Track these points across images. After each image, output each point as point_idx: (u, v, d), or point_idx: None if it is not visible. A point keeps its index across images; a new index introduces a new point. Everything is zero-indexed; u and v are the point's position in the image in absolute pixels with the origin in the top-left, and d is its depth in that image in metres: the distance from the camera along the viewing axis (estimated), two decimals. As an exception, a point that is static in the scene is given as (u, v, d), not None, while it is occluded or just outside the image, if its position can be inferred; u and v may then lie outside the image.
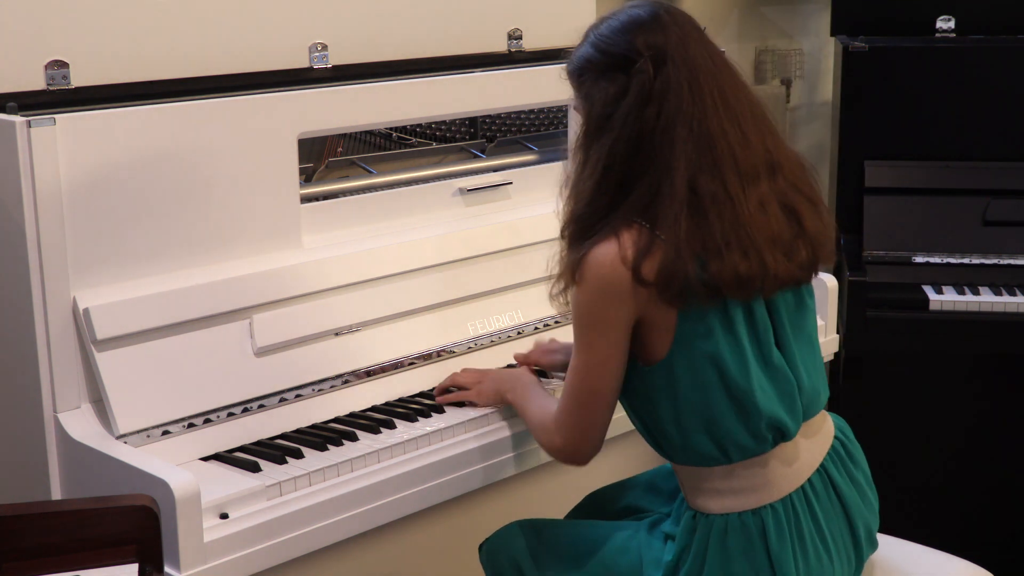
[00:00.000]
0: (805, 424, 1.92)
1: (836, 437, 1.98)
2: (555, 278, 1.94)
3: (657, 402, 1.89)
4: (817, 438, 1.95)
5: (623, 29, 1.87)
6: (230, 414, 2.11)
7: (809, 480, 1.91)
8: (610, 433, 2.39)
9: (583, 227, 1.89)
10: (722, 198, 1.81)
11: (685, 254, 1.78)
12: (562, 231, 1.93)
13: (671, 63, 1.83)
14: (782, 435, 1.88)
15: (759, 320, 1.86)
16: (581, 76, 1.91)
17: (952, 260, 3.26)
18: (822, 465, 1.93)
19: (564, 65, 1.96)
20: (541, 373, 2.33)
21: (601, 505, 2.23)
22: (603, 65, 1.87)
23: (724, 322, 1.84)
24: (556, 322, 2.56)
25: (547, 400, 2.08)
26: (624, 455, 2.51)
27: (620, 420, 2.24)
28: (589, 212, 1.87)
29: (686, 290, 1.79)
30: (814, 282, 1.99)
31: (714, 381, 1.84)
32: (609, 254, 1.81)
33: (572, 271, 1.86)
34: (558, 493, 2.36)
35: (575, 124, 1.99)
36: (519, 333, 2.52)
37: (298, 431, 2.16)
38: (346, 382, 2.26)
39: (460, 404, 2.25)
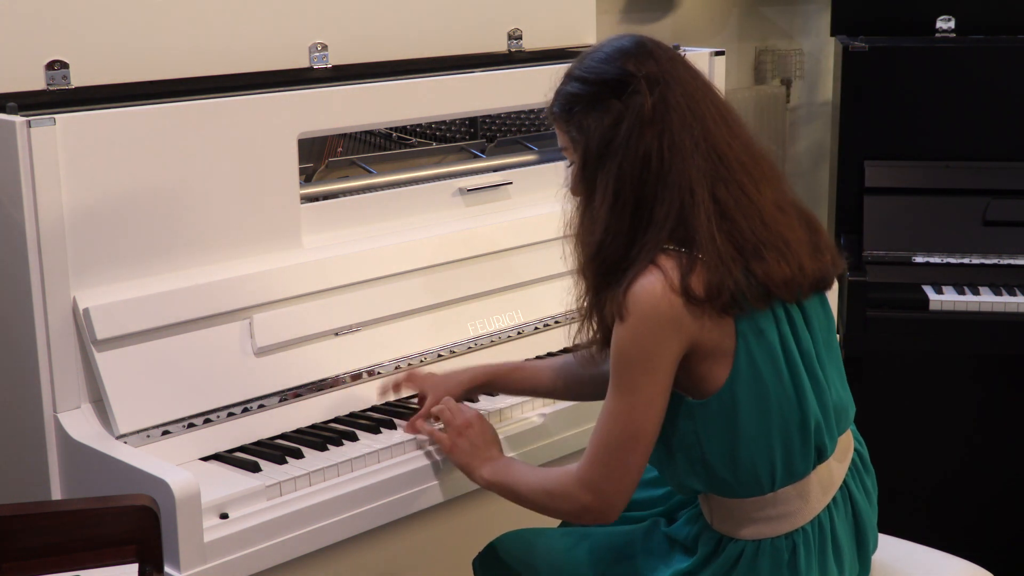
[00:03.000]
0: (837, 443, 1.90)
1: (855, 449, 1.97)
2: (580, 323, 1.87)
3: (708, 438, 1.82)
4: (844, 457, 1.93)
5: (609, 59, 1.84)
6: (230, 414, 2.11)
7: (833, 498, 1.90)
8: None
9: (607, 259, 1.81)
10: (744, 202, 1.80)
11: (727, 261, 1.75)
12: (583, 270, 1.86)
13: (665, 84, 1.81)
14: (820, 456, 1.85)
15: (801, 334, 1.84)
16: (570, 112, 1.86)
17: (952, 260, 3.26)
18: (844, 481, 1.92)
19: (548, 109, 1.90)
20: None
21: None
22: (593, 95, 1.83)
23: (778, 333, 1.81)
24: (556, 322, 2.56)
25: (536, 469, 1.99)
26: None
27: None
28: (609, 240, 1.80)
29: (738, 294, 1.75)
30: None
31: (774, 396, 1.79)
32: (656, 284, 1.74)
33: (617, 310, 1.77)
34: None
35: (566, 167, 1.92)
36: (519, 333, 2.52)
37: (298, 431, 2.16)
38: (346, 382, 2.26)
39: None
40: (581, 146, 1.85)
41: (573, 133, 1.86)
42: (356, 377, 2.28)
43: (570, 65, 1.89)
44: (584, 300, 1.87)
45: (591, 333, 1.87)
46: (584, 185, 1.85)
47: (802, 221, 1.87)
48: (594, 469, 1.83)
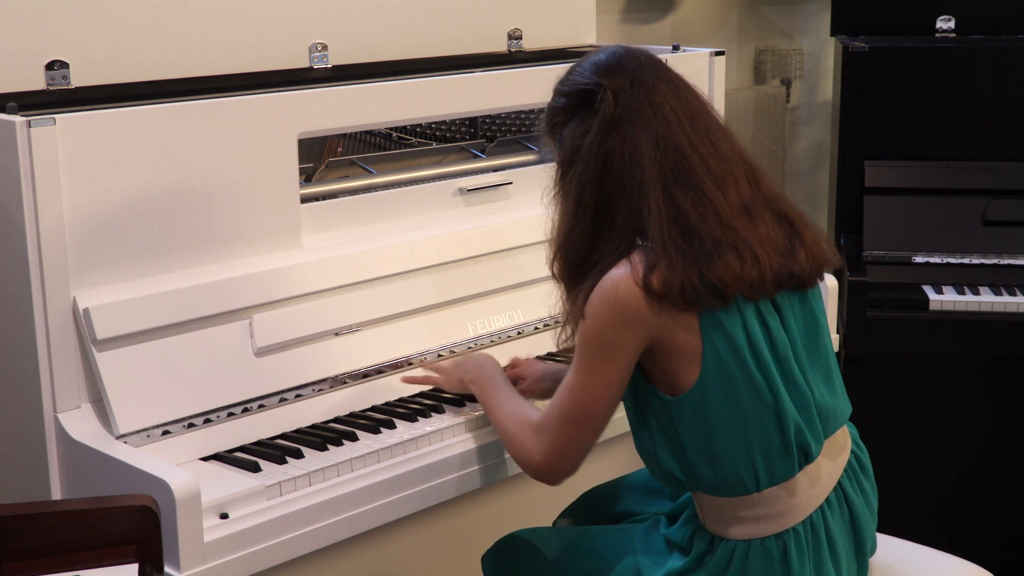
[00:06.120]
0: (827, 443, 1.90)
1: (851, 451, 1.97)
2: (562, 328, 1.94)
3: (685, 434, 1.84)
4: (837, 456, 1.93)
5: (584, 72, 1.92)
6: (230, 414, 2.12)
7: (827, 498, 1.90)
8: (608, 435, 2.40)
9: (571, 258, 1.90)
10: (702, 201, 1.82)
11: (678, 259, 1.78)
12: (550, 268, 1.94)
13: (631, 90, 1.86)
14: (806, 456, 1.86)
15: (776, 335, 1.84)
16: (553, 126, 1.95)
17: (952, 260, 3.27)
18: (839, 482, 1.92)
19: (540, 126, 1.99)
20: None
21: (597, 506, 2.22)
22: (570, 107, 1.91)
23: (745, 334, 1.82)
24: (556, 322, 2.55)
25: (520, 405, 2.03)
26: (622, 455, 2.51)
27: (617, 421, 2.25)
28: (570, 241, 1.89)
29: (694, 292, 1.78)
30: None
31: (746, 399, 1.81)
32: (622, 276, 1.80)
33: (583, 300, 1.85)
34: (558, 493, 2.36)
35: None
36: (519, 333, 2.52)
37: (298, 431, 2.16)
38: (346, 382, 2.26)
39: (458, 403, 2.25)
40: (558, 156, 1.93)
41: (556, 145, 1.95)
42: (356, 377, 2.28)
43: (557, 81, 1.97)
44: (562, 304, 1.94)
45: (571, 336, 1.91)
46: (557, 190, 1.94)
47: (779, 222, 1.88)
48: (548, 433, 1.92)
